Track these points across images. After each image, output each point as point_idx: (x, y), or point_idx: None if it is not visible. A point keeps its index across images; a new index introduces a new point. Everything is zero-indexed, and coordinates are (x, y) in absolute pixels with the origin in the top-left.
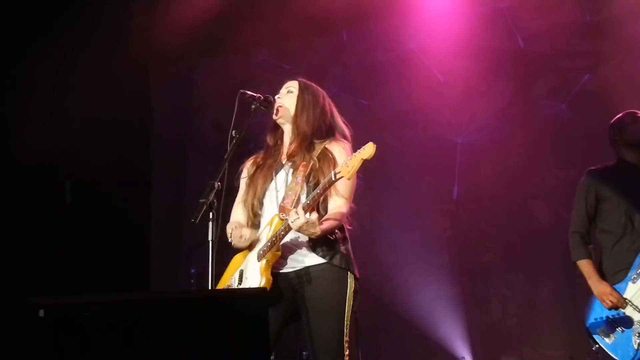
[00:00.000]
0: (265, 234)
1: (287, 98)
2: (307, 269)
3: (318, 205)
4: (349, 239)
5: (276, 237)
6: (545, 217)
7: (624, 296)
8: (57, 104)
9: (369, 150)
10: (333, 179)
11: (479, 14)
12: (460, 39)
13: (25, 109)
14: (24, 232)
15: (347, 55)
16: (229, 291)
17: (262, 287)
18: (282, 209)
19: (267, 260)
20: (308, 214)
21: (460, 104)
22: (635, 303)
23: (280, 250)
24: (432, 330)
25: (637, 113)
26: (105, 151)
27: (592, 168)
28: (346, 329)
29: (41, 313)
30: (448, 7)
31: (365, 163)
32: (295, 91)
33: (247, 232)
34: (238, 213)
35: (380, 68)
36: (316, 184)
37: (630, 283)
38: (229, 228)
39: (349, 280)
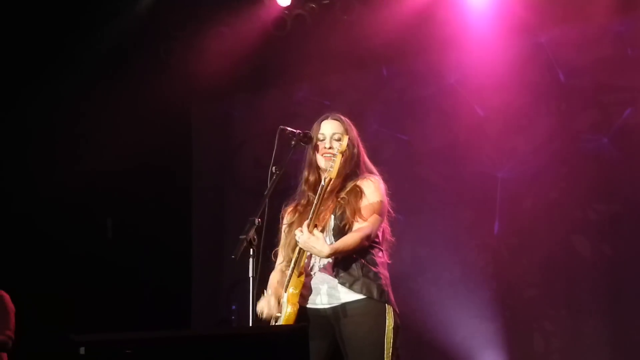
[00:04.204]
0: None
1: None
2: (343, 305)
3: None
4: (387, 273)
5: (294, 262)
6: (587, 251)
7: None
8: (98, 141)
9: (343, 143)
10: (323, 183)
11: (519, 48)
12: (500, 73)
13: (66, 147)
14: (66, 268)
15: (387, 90)
16: (270, 327)
17: (303, 324)
18: None
19: (292, 288)
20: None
21: (500, 138)
22: None
23: (303, 275)
24: None
25: None
26: (146, 188)
27: None
28: None
29: (82, 351)
30: (488, 42)
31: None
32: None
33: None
34: (276, 273)
35: (420, 103)
36: (342, 214)
37: None
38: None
39: (387, 315)
